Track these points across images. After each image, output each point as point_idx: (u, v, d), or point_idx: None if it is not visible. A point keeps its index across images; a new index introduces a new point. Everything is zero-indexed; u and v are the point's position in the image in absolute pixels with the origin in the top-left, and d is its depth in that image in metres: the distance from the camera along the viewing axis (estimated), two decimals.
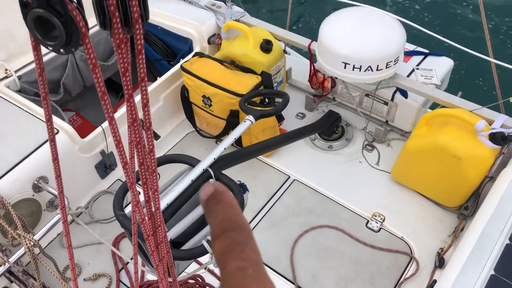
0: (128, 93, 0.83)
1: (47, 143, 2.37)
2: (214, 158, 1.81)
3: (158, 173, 2.54)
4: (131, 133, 0.89)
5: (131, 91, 0.83)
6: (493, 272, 1.76)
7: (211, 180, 0.61)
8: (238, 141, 2.67)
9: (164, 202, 1.66)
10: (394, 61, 2.38)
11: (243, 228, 0.47)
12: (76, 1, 0.70)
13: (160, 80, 2.76)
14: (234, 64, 2.72)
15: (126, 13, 0.69)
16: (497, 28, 5.09)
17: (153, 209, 1.01)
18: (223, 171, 1.89)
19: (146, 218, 1.14)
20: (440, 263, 2.22)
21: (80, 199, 2.58)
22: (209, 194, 0.49)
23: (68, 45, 0.70)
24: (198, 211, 1.70)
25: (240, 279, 0.41)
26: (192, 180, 1.73)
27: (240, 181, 1.83)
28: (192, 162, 1.84)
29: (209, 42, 2.98)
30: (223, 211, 0.48)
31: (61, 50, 0.71)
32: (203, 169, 1.77)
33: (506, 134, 2.19)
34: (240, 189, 1.75)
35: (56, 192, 2.23)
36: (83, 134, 2.47)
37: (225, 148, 1.89)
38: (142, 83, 0.83)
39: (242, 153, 2.00)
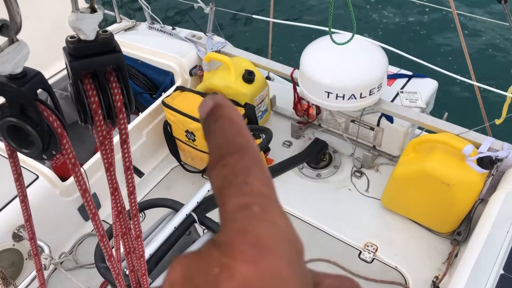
0: (113, 187, 0.78)
1: (27, 189, 2.30)
2: (197, 202, 1.76)
3: (143, 214, 2.46)
4: (113, 200, 0.84)
5: (116, 184, 0.78)
6: None
7: (208, 96, 0.33)
8: None
9: (147, 251, 1.60)
10: (378, 88, 2.36)
11: (245, 149, 0.34)
12: (53, 105, 0.65)
13: (142, 115, 2.72)
14: None
15: (109, 106, 0.65)
16: (479, 50, 5.18)
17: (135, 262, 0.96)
18: (209, 213, 1.85)
19: (127, 271, 1.09)
20: None
21: (64, 244, 2.50)
22: (207, 111, 0.37)
23: (47, 150, 0.65)
24: None
25: (243, 222, 0.30)
26: (175, 227, 1.68)
27: None
28: (175, 206, 1.78)
29: (191, 74, 2.95)
30: (221, 130, 0.35)
31: (44, 156, 0.66)
32: (186, 214, 1.72)
33: (494, 158, 2.16)
34: None
35: (37, 242, 2.16)
36: (66, 173, 2.41)
37: (208, 190, 1.84)
38: (128, 172, 0.78)
39: None
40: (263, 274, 0.26)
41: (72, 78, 0.58)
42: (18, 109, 0.59)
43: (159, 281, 1.60)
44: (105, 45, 0.58)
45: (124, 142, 0.67)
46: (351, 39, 2.25)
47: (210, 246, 0.28)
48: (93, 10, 0.55)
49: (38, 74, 0.58)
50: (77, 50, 0.57)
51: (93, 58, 0.57)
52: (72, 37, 0.56)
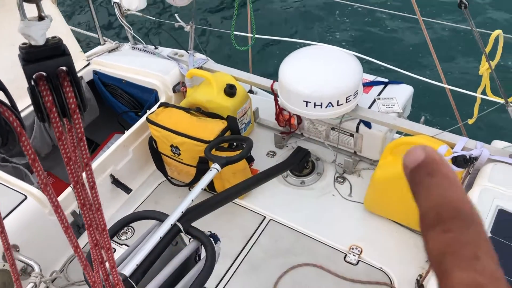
0: (74, 180, 0.84)
1: (16, 210, 2.35)
2: (182, 212, 1.81)
3: (133, 228, 2.52)
4: (85, 215, 0.90)
5: (79, 178, 0.84)
6: None
7: (417, 146, 0.36)
8: (211, 186, 2.68)
9: (134, 262, 1.64)
10: (354, 95, 2.45)
11: (470, 218, 0.32)
12: (9, 102, 0.71)
13: (127, 133, 2.78)
14: (200, 111, 2.76)
15: (64, 106, 0.72)
16: (448, 54, 5.35)
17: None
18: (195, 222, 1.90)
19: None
20: None
21: (55, 262, 2.53)
22: (418, 162, 0.36)
23: (6, 145, 0.72)
24: (170, 268, 1.69)
25: None
26: (160, 237, 1.73)
27: (210, 232, 1.83)
28: (160, 217, 1.84)
29: (174, 91, 3.02)
30: (440, 189, 0.34)
31: (1, 150, 0.73)
32: (171, 224, 1.77)
33: (468, 157, 2.24)
34: (210, 241, 1.75)
35: (27, 260, 2.19)
36: (56, 193, 2.45)
37: (192, 200, 1.90)
38: (87, 168, 0.85)
39: (211, 202, 2.01)
40: None
41: (27, 80, 0.65)
42: None
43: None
44: (54, 49, 0.65)
45: (80, 140, 0.74)
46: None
47: None
48: (40, 18, 0.63)
49: None
50: (28, 54, 0.64)
51: (43, 61, 0.64)
52: (24, 43, 0.64)
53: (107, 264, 1.01)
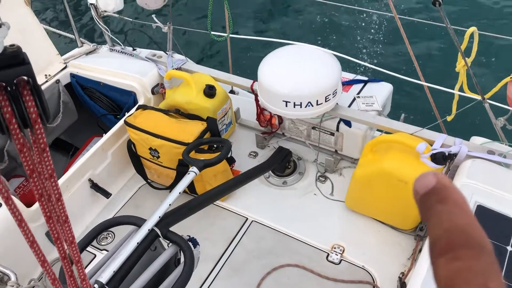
0: (38, 193, 0.82)
1: None
2: (159, 216, 1.79)
3: (113, 234, 2.48)
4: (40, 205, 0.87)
5: (42, 190, 0.81)
6: None
7: (428, 172, 0.37)
8: (192, 189, 2.65)
9: (110, 269, 1.61)
10: (333, 94, 2.44)
11: (482, 247, 0.33)
12: None
13: (106, 136, 2.73)
14: (179, 113, 2.73)
15: (25, 116, 0.68)
16: (425, 52, 5.39)
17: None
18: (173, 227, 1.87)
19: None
20: (402, 287, 2.23)
21: (34, 271, 2.48)
22: (429, 188, 0.36)
23: None
24: (148, 273, 1.66)
25: None
26: (138, 243, 1.70)
27: (189, 236, 1.81)
28: (137, 222, 1.80)
29: (153, 93, 2.98)
30: (451, 215, 0.34)
31: None
32: (149, 229, 1.74)
33: (447, 153, 2.25)
34: (188, 245, 1.73)
35: (3, 269, 2.14)
36: (34, 199, 2.40)
37: (170, 204, 1.87)
38: (51, 179, 0.82)
39: (190, 205, 1.98)
40: None
41: None
42: None
43: None
44: (13, 58, 0.62)
45: (43, 151, 0.71)
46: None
47: None
48: None
49: None
50: None
51: (1, 71, 0.61)
52: None
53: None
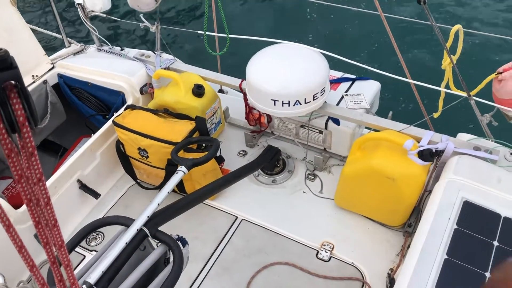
0: (26, 198, 0.81)
1: None
2: (148, 216, 1.78)
3: (102, 234, 2.47)
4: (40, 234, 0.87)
5: (30, 195, 0.81)
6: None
7: None
8: (182, 188, 2.65)
9: (99, 270, 1.61)
10: (321, 92, 2.46)
11: None
12: None
13: (94, 137, 2.72)
14: (167, 112, 2.72)
15: (12, 121, 0.68)
16: (411, 50, 5.43)
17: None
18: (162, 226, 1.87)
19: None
20: (391, 283, 2.25)
21: (23, 273, 2.46)
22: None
23: None
24: (137, 273, 1.66)
25: None
26: (126, 243, 1.69)
27: (178, 235, 1.81)
28: (126, 222, 1.80)
29: (141, 92, 2.97)
30: None
31: None
32: (137, 229, 1.74)
33: (434, 150, 2.28)
34: (177, 244, 1.73)
35: None
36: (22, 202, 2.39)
37: (159, 204, 1.87)
38: (40, 184, 0.81)
39: (179, 205, 1.98)
40: None
41: None
42: None
43: None
44: (0, 62, 0.62)
45: (31, 155, 0.70)
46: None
47: None
48: None
49: None
50: None
51: None
52: None
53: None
